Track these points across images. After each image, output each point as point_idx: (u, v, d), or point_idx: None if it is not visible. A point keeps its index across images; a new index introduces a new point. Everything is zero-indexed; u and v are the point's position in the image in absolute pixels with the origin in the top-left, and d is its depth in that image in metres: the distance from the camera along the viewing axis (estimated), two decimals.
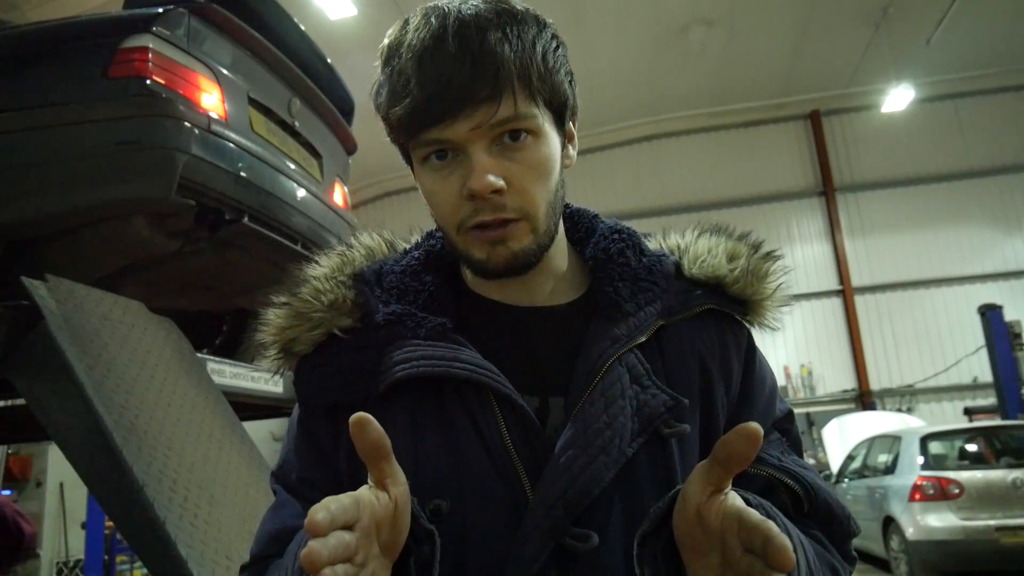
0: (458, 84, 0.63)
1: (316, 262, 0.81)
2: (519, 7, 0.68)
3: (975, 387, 11.41)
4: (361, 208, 14.19)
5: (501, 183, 0.65)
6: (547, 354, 0.74)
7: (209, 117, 2.20)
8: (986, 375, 9.57)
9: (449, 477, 0.67)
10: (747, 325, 0.81)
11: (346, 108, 3.23)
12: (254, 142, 2.42)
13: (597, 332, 0.72)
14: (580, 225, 0.83)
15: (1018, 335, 8.62)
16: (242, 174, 2.27)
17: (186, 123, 2.11)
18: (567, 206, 0.82)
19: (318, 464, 0.74)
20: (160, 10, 2.23)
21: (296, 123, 2.78)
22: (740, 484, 0.68)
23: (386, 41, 0.68)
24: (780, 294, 0.82)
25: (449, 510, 0.66)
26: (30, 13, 7.24)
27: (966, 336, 11.11)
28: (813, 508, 0.72)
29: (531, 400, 0.70)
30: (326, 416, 0.73)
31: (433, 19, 0.65)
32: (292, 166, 2.65)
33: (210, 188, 2.18)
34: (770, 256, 0.82)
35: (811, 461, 5.30)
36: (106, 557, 6.32)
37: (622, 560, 0.64)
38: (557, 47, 0.69)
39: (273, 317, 0.76)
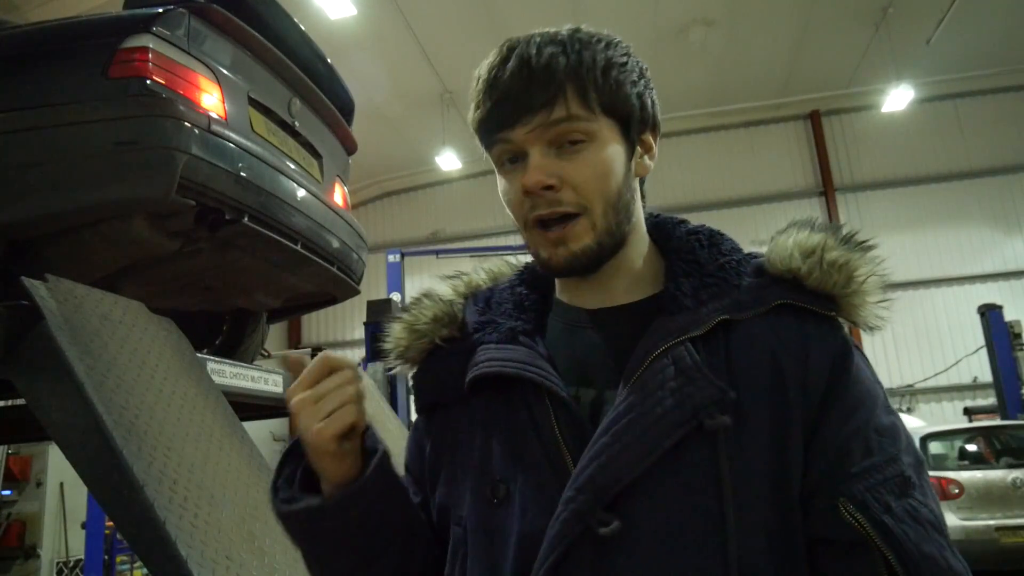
0: (515, 94, 0.72)
1: (443, 284, 0.93)
2: (591, 32, 0.76)
3: (975, 387, 11.41)
4: (361, 208, 14.20)
5: (550, 180, 0.72)
6: (607, 349, 0.77)
7: (209, 117, 2.20)
8: (986, 375, 9.57)
9: (510, 464, 0.75)
10: (844, 325, 0.76)
11: (346, 108, 3.23)
12: (254, 142, 2.41)
13: (654, 327, 0.74)
14: (664, 231, 0.85)
15: (1018, 335, 8.61)
16: (242, 174, 2.27)
17: (186, 123, 2.11)
18: (656, 215, 0.86)
19: (414, 455, 0.87)
20: (160, 10, 2.23)
21: (296, 123, 2.78)
22: (828, 526, 0.66)
23: (476, 71, 0.77)
24: (872, 287, 0.74)
25: (507, 493, 0.74)
26: (30, 13, 7.25)
27: (966, 336, 11.11)
28: None
29: (587, 392, 0.76)
30: (426, 414, 0.86)
31: (505, 48, 0.75)
32: (292, 166, 2.64)
33: (210, 188, 2.17)
34: (860, 246, 0.76)
35: None
36: (106, 557, 6.33)
37: (655, 549, 0.66)
38: (625, 64, 0.75)
39: (393, 329, 0.89)
